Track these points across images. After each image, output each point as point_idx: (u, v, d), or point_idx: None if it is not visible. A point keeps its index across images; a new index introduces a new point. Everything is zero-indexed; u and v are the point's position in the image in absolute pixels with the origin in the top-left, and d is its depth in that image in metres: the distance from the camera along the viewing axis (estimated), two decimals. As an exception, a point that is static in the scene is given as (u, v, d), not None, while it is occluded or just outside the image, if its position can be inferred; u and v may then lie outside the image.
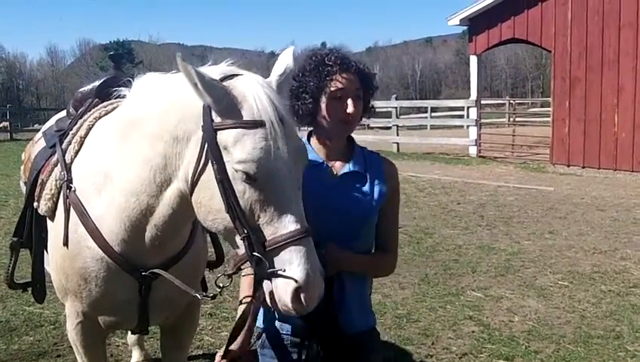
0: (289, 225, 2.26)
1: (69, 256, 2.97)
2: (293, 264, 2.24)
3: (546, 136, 19.62)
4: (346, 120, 2.65)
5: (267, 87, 2.39)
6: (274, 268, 2.27)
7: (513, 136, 22.84)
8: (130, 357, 5.11)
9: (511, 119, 33.37)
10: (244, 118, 2.30)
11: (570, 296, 6.74)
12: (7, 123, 31.99)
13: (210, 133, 2.33)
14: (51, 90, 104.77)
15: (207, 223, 2.44)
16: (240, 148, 2.27)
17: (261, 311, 2.76)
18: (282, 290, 2.26)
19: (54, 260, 3.12)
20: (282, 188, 2.28)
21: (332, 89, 2.62)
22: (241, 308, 2.62)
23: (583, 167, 17.45)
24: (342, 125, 2.67)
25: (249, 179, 2.26)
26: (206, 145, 2.35)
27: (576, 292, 6.86)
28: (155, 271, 2.83)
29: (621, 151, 16.76)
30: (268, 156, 2.26)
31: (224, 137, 2.31)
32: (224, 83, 2.38)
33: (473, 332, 5.77)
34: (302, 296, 2.25)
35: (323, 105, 2.65)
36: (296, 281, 2.23)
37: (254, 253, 2.28)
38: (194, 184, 2.42)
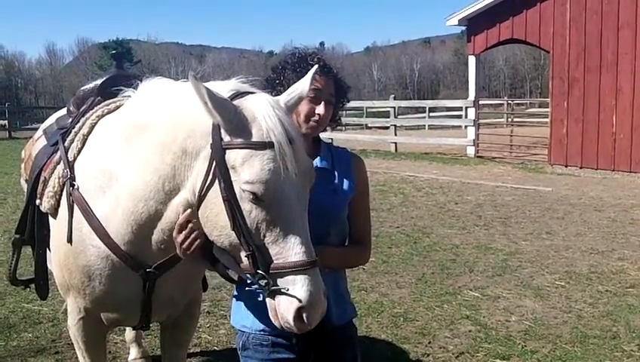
0: (295, 247, 2.28)
1: (72, 253, 2.99)
2: (297, 284, 2.27)
3: (544, 136, 19.63)
4: (315, 120, 2.66)
5: (277, 108, 2.39)
6: (277, 285, 2.29)
7: (511, 136, 22.88)
8: (128, 354, 5.13)
9: (509, 119, 33.43)
10: (253, 139, 2.31)
11: (567, 296, 6.76)
12: (6, 121, 31.96)
13: (218, 152, 2.34)
14: (50, 89, 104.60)
15: (212, 238, 2.45)
16: (248, 169, 2.28)
17: (242, 312, 2.79)
18: (285, 308, 2.28)
19: (57, 257, 3.13)
20: (289, 209, 2.30)
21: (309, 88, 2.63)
22: None
23: (581, 168, 17.47)
24: (309, 125, 2.67)
25: (256, 199, 2.27)
26: (214, 164, 2.36)
27: (573, 292, 6.88)
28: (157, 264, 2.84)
29: (619, 151, 16.79)
30: (276, 178, 2.27)
31: (232, 157, 2.32)
32: (234, 102, 2.38)
33: (470, 331, 5.79)
34: (304, 315, 2.27)
35: None
36: (299, 301, 2.25)
37: (258, 271, 2.30)
38: (201, 199, 2.43)
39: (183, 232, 2.48)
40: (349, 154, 2.89)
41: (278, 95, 2.62)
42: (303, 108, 2.64)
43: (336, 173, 2.79)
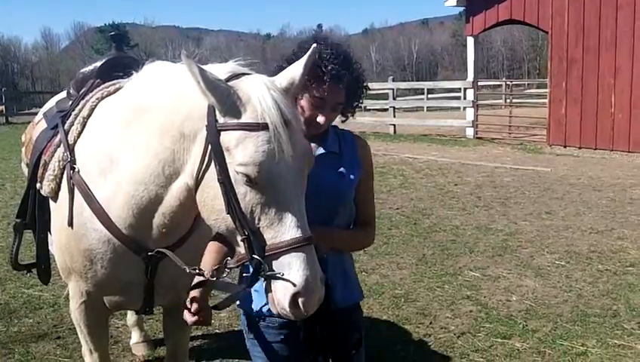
0: (290, 230, 2.24)
1: (74, 237, 2.98)
2: (292, 268, 2.23)
3: (542, 117, 19.62)
4: (314, 125, 2.62)
5: (273, 89, 2.34)
6: (273, 271, 2.26)
7: (510, 117, 22.81)
8: (130, 338, 5.15)
9: (507, 100, 33.31)
10: (248, 120, 2.27)
11: (568, 275, 6.77)
12: (3, 107, 31.79)
13: (213, 134, 2.31)
14: (46, 74, 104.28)
15: (209, 222, 2.44)
16: (242, 151, 2.24)
17: (247, 294, 2.77)
18: (281, 294, 2.26)
19: (59, 241, 3.13)
20: (284, 192, 2.26)
21: (314, 94, 2.57)
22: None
23: (580, 148, 17.46)
24: (309, 126, 2.62)
25: (250, 182, 2.24)
26: (209, 146, 2.33)
27: (573, 271, 6.89)
28: (161, 250, 2.84)
29: (618, 131, 16.79)
30: (270, 160, 2.23)
31: (227, 138, 2.28)
32: (230, 83, 2.35)
33: (471, 311, 5.80)
34: (300, 300, 2.24)
35: (301, 100, 2.61)
36: (294, 285, 2.22)
37: (254, 256, 2.27)
38: (198, 183, 2.42)
39: (193, 309, 2.49)
40: (354, 137, 2.86)
41: None
42: (306, 111, 2.60)
43: (342, 155, 2.76)
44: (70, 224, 2.97)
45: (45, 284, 3.98)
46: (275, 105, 2.28)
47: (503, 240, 8.19)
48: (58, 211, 3.10)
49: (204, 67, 2.31)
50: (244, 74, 2.43)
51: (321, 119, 2.61)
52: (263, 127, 2.25)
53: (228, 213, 2.30)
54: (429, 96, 34.98)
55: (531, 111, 23.42)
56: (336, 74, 2.57)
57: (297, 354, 2.75)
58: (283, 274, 2.24)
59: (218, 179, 2.30)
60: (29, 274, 4.20)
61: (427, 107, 32.57)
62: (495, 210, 10.03)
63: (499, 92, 37.03)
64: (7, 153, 17.16)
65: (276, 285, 2.27)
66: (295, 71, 2.47)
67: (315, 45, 2.50)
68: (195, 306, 2.48)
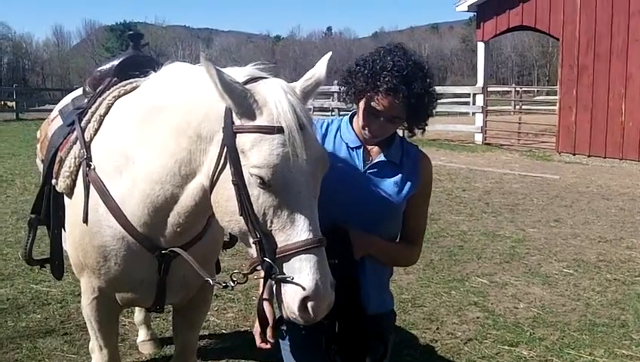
0: (301, 233, 2.25)
1: (88, 234, 2.99)
2: (303, 272, 2.24)
3: (552, 124, 19.60)
4: (369, 132, 2.65)
5: (290, 93, 2.37)
6: (284, 274, 2.26)
7: (519, 123, 22.75)
8: (137, 336, 5.15)
9: (517, 107, 33.22)
10: (263, 123, 2.29)
11: (576, 283, 6.75)
12: (14, 103, 31.89)
13: (229, 136, 2.33)
14: (57, 71, 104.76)
15: (223, 224, 2.46)
16: (256, 153, 2.26)
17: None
18: (290, 298, 2.26)
19: (72, 237, 3.14)
20: (297, 195, 2.27)
21: (370, 103, 2.58)
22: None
23: (589, 156, 17.42)
24: (364, 134, 2.67)
25: (263, 184, 2.25)
26: (225, 148, 2.35)
27: (581, 280, 6.87)
28: (175, 250, 2.85)
29: (628, 140, 16.72)
30: (284, 163, 2.25)
31: (242, 141, 2.31)
32: (247, 86, 2.36)
33: (478, 318, 5.79)
34: (309, 304, 2.24)
35: (360, 104, 2.64)
36: (304, 289, 2.23)
37: (265, 259, 2.28)
38: (213, 184, 2.44)
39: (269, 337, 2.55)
40: (418, 152, 2.85)
41: (349, 90, 2.64)
42: (363, 115, 2.63)
43: (402, 167, 2.76)
44: (85, 220, 2.98)
45: (58, 280, 3.99)
46: (291, 109, 2.30)
47: (510, 247, 8.17)
48: (73, 207, 3.12)
49: (222, 70, 2.32)
50: (261, 78, 2.45)
51: (373, 128, 2.62)
52: (279, 130, 2.27)
53: (241, 215, 2.32)
54: (438, 100, 34.88)
55: (540, 118, 23.39)
56: (392, 87, 2.54)
57: (322, 352, 2.71)
58: (293, 278, 2.24)
59: (232, 180, 2.32)
60: (38, 270, 4.21)
61: (436, 112, 32.40)
62: (503, 216, 10.01)
63: (508, 98, 36.94)
64: (17, 149, 17.21)
65: (286, 288, 2.27)
66: (318, 75, 2.51)
67: (330, 53, 2.56)
68: (269, 333, 2.55)
